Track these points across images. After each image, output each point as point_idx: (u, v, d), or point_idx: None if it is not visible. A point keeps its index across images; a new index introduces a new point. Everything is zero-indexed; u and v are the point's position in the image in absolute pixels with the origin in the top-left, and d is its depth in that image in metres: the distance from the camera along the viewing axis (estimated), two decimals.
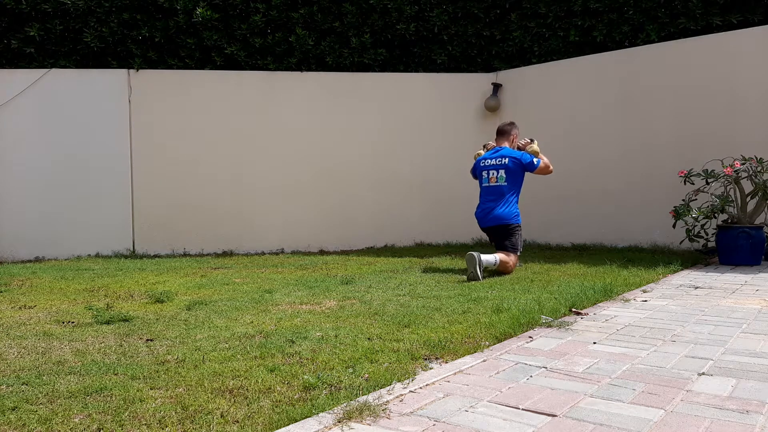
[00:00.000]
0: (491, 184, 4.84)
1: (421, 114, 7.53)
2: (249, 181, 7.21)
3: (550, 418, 1.64)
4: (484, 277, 4.34)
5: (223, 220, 7.16)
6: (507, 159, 4.80)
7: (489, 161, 4.91)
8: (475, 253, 4.32)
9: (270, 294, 3.83)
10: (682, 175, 5.36)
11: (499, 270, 4.59)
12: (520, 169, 4.79)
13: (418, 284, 4.14)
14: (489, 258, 4.45)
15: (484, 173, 4.91)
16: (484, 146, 5.15)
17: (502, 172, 4.80)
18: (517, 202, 4.85)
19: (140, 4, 7.15)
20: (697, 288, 3.87)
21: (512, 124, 5.14)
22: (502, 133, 5.06)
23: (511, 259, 4.64)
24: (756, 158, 5.09)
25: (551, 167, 4.89)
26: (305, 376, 1.98)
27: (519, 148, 4.98)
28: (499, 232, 4.77)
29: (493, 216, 4.77)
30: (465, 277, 4.51)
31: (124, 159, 6.96)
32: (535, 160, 4.80)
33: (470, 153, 7.65)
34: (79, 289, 4.25)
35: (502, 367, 2.12)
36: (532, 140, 5.03)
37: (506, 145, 4.98)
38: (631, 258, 5.33)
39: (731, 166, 5.11)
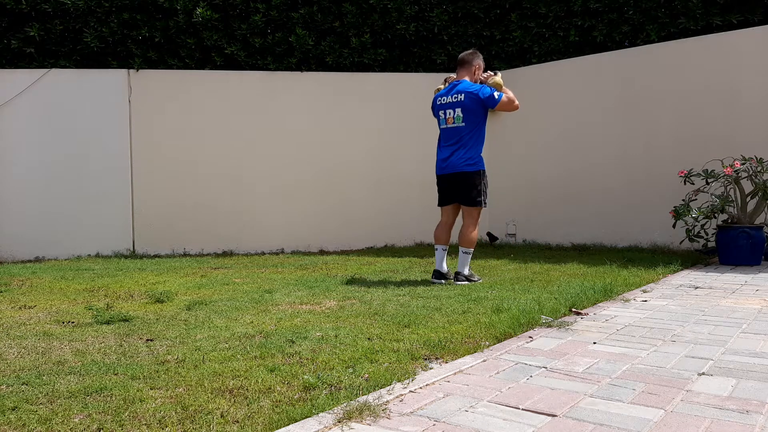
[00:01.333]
0: (448, 125, 4.23)
1: (421, 114, 7.50)
2: (249, 180, 7.21)
3: (550, 418, 1.64)
4: (447, 279, 4.18)
5: (223, 220, 7.16)
6: (463, 95, 4.14)
7: (445, 99, 4.25)
8: (441, 271, 4.20)
9: (270, 294, 3.83)
10: (682, 175, 5.36)
11: (461, 244, 4.24)
12: (479, 105, 4.13)
13: (418, 284, 4.15)
14: (462, 264, 4.25)
15: (441, 113, 4.29)
16: (445, 80, 4.45)
17: (458, 111, 4.16)
18: (479, 144, 4.20)
19: (140, 4, 7.15)
20: (697, 288, 3.87)
21: (475, 52, 4.38)
22: (462, 63, 4.33)
23: (473, 216, 4.22)
24: (756, 158, 5.09)
25: (516, 102, 4.21)
26: (305, 376, 1.98)
27: (481, 82, 4.31)
28: (458, 183, 4.19)
29: (449, 163, 4.20)
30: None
31: (124, 159, 6.96)
32: (496, 93, 4.13)
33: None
34: (79, 289, 4.24)
35: (502, 367, 2.12)
36: (495, 72, 4.40)
37: (466, 78, 4.28)
38: (631, 258, 5.33)
39: (731, 166, 5.11)
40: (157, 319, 3.09)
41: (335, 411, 1.67)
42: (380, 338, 2.51)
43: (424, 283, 4.23)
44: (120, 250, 6.92)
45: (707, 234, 5.31)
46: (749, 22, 6.06)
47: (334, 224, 7.38)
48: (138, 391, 1.90)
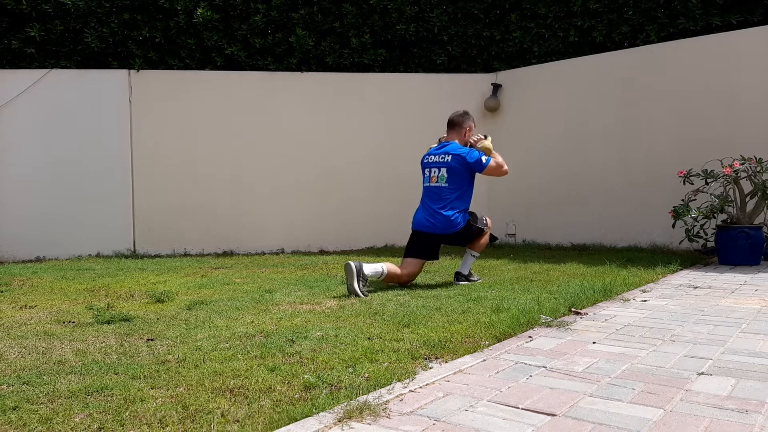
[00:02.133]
0: (431, 183, 4.18)
1: (420, 114, 7.53)
2: (249, 181, 7.22)
3: (549, 417, 1.65)
4: (366, 292, 3.70)
5: (224, 220, 7.16)
6: (450, 156, 4.10)
7: (433, 157, 4.22)
8: (353, 263, 3.66)
9: (270, 294, 3.84)
10: (682, 175, 5.36)
11: (470, 247, 4.22)
12: (464, 168, 4.09)
13: (418, 284, 4.15)
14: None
15: (426, 171, 4.25)
16: (439, 140, 4.42)
17: (443, 171, 4.12)
18: (462, 208, 4.13)
19: (141, 5, 7.15)
20: (696, 288, 3.88)
21: (465, 114, 4.31)
22: (453, 125, 4.28)
23: (486, 234, 4.26)
24: (755, 158, 5.09)
25: (505, 167, 4.18)
26: (305, 376, 1.99)
27: (470, 145, 4.27)
28: (432, 243, 4.16)
29: (429, 225, 4.11)
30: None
31: (125, 159, 6.96)
32: (484, 158, 4.09)
33: None
34: (80, 289, 4.25)
35: (502, 367, 2.13)
36: (485, 136, 4.33)
37: (456, 140, 4.24)
38: (630, 258, 5.33)
39: (730, 166, 5.11)
40: (158, 319, 3.09)
41: (335, 410, 1.67)
42: (380, 338, 2.51)
43: (424, 283, 4.23)
44: (120, 250, 6.93)
45: (707, 234, 5.32)
46: (749, 22, 6.07)
47: (334, 224, 7.38)
48: (139, 390, 1.90)
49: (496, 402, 1.77)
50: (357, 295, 3.60)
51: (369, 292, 3.79)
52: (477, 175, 4.20)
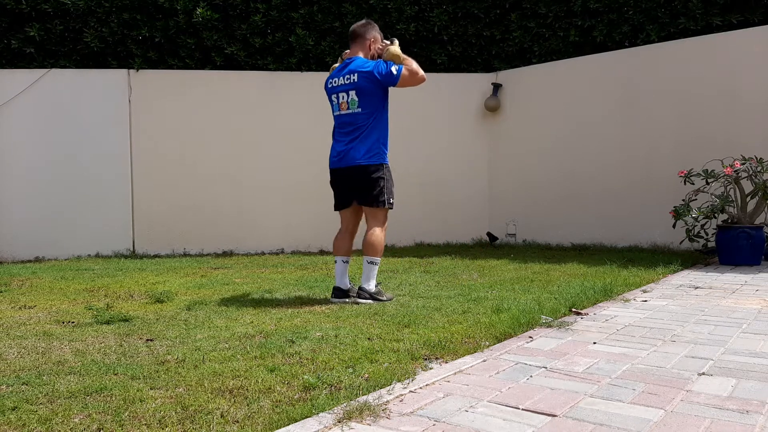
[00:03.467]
0: (342, 111, 3.55)
1: (420, 114, 7.53)
2: (249, 181, 7.21)
3: (550, 418, 1.64)
4: (350, 295, 3.45)
5: (223, 220, 7.16)
6: (356, 75, 3.45)
7: (337, 80, 3.57)
8: (340, 289, 3.50)
9: (270, 294, 3.83)
10: (682, 175, 5.36)
11: (376, 252, 3.46)
12: (376, 86, 3.45)
13: (418, 284, 4.15)
14: (366, 277, 3.48)
15: (333, 97, 3.61)
16: (340, 57, 3.73)
17: (353, 94, 3.48)
18: (381, 133, 3.51)
19: (140, 5, 7.14)
20: (697, 288, 3.87)
21: (368, 23, 3.66)
22: (354, 36, 3.62)
23: (378, 219, 3.48)
24: (756, 158, 5.09)
25: (421, 73, 3.49)
26: (305, 376, 1.98)
27: (377, 57, 3.62)
28: (356, 180, 3.49)
29: (345, 155, 3.51)
30: (465, 277, 4.51)
31: (124, 159, 6.96)
32: (394, 68, 3.44)
33: (470, 153, 7.69)
34: (79, 289, 4.24)
35: (502, 367, 2.12)
36: (391, 40, 3.63)
37: (360, 54, 3.58)
38: (631, 258, 5.33)
39: (731, 166, 5.11)
40: (157, 319, 3.09)
41: (335, 411, 1.67)
42: (380, 338, 2.51)
43: (424, 283, 4.23)
44: (120, 250, 6.92)
45: (707, 234, 5.31)
46: (749, 22, 6.06)
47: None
48: (138, 391, 1.90)
49: (496, 402, 1.77)
50: (344, 297, 3.43)
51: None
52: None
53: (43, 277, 4.88)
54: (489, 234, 7.48)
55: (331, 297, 3.56)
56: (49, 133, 6.80)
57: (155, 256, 6.83)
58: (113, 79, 6.94)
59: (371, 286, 3.47)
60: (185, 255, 6.93)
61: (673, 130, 6.23)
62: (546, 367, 2.12)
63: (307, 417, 1.64)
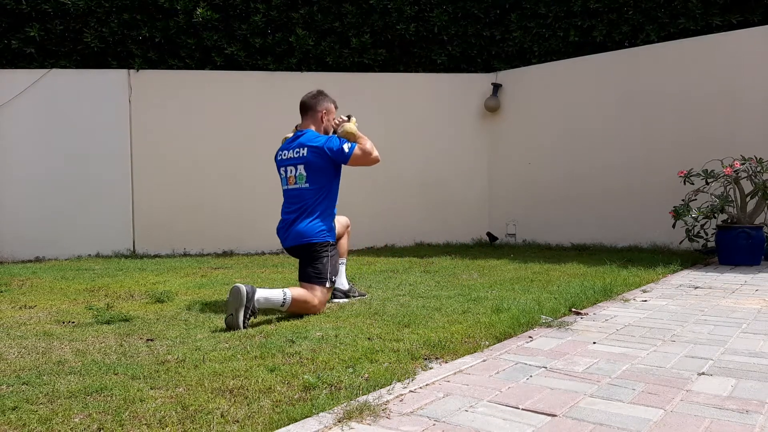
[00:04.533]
0: (290, 186, 3.42)
1: (421, 114, 7.53)
2: (249, 180, 7.21)
3: (549, 417, 1.64)
4: (247, 324, 2.84)
5: (224, 220, 7.16)
6: (306, 149, 3.32)
7: (287, 153, 3.43)
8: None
9: None
10: (682, 175, 5.36)
11: (294, 312, 3.09)
12: (325, 161, 3.30)
13: (418, 284, 4.15)
14: (272, 295, 2.98)
15: (282, 170, 3.48)
16: (295, 127, 3.62)
17: (301, 169, 3.34)
18: (328, 212, 3.36)
19: (140, 5, 7.15)
20: (696, 288, 3.87)
21: (320, 94, 3.53)
22: (306, 109, 3.49)
23: (316, 295, 3.16)
24: (756, 158, 5.09)
25: (375, 153, 3.37)
26: (305, 376, 1.98)
27: (332, 130, 3.51)
28: (301, 255, 3.33)
29: (291, 232, 3.35)
30: (465, 277, 4.51)
31: (125, 159, 6.96)
32: (346, 146, 3.30)
33: (470, 153, 7.69)
34: (80, 289, 4.25)
35: (502, 367, 2.12)
36: (348, 117, 3.53)
37: (312, 127, 3.45)
38: (630, 258, 5.33)
39: (731, 166, 5.11)
40: (158, 319, 3.09)
41: (335, 411, 1.67)
42: (380, 338, 2.51)
43: (424, 283, 4.23)
44: (120, 250, 6.92)
45: (707, 234, 5.31)
46: (749, 22, 6.07)
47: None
48: (138, 390, 1.90)
49: (496, 402, 1.77)
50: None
51: (370, 289, 3.78)
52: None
53: (44, 277, 4.89)
54: (489, 234, 7.48)
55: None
56: (49, 133, 6.80)
57: (155, 256, 6.83)
58: (113, 79, 6.94)
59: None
60: (185, 255, 6.93)
61: (672, 130, 6.23)
62: (546, 367, 2.12)
63: (307, 417, 1.64)
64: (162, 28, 7.19)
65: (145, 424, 1.64)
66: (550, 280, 4.15)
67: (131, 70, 7.00)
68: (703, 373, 2.03)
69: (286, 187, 3.47)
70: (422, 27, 7.57)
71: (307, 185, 3.33)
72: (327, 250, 3.30)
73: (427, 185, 7.55)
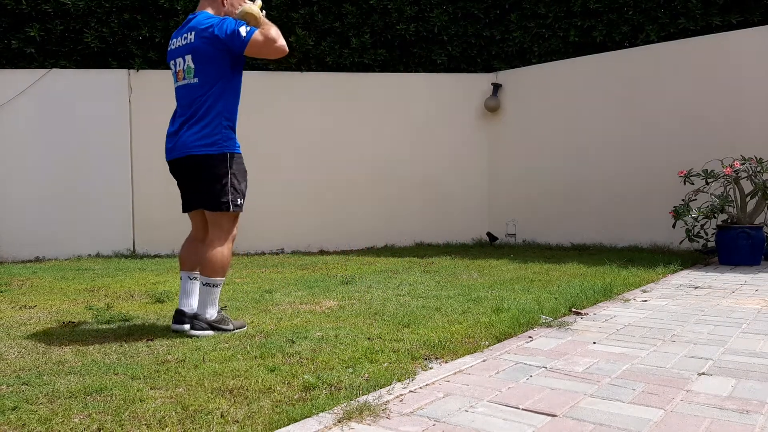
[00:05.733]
0: (179, 82, 2.84)
1: (421, 114, 7.53)
2: (249, 180, 7.20)
3: (550, 417, 1.64)
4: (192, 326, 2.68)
5: None
6: (194, 34, 2.70)
7: (176, 41, 2.82)
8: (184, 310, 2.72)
9: (270, 294, 3.83)
10: (682, 175, 5.36)
11: (201, 270, 2.75)
12: (217, 49, 2.67)
13: (418, 284, 4.15)
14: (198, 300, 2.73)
15: (171, 64, 2.87)
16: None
17: (189, 60, 2.73)
18: (225, 112, 2.77)
19: (141, 5, 7.15)
20: (696, 288, 3.87)
21: None
22: None
23: (220, 234, 2.78)
24: (756, 158, 5.09)
25: (281, 42, 2.71)
26: (305, 376, 1.98)
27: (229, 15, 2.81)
28: (193, 174, 2.80)
29: (177, 144, 2.83)
30: (465, 277, 4.51)
31: (125, 159, 6.95)
32: (243, 29, 2.65)
33: (470, 153, 7.69)
34: (80, 289, 4.25)
35: (502, 367, 2.12)
36: (254, 0, 2.84)
37: (208, 8, 2.81)
38: (630, 258, 5.33)
39: (731, 166, 5.11)
40: (158, 319, 3.09)
41: (335, 411, 1.67)
42: (380, 338, 2.51)
43: (424, 283, 4.23)
44: (120, 250, 6.92)
45: (707, 234, 5.31)
46: (749, 22, 6.07)
47: (334, 224, 7.38)
48: (138, 390, 1.90)
49: (496, 402, 1.77)
50: (182, 326, 2.66)
51: (370, 289, 3.77)
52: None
53: (44, 277, 4.89)
54: (489, 234, 7.48)
55: (172, 324, 2.75)
56: (50, 133, 6.79)
57: (155, 256, 6.83)
58: (113, 79, 6.94)
59: (210, 312, 2.69)
60: None
61: (673, 130, 6.23)
62: (546, 367, 2.12)
63: (307, 417, 1.64)
64: (162, 28, 7.19)
65: (145, 424, 1.64)
66: (550, 280, 4.15)
67: (131, 70, 7.00)
68: (703, 373, 2.03)
69: (176, 84, 2.87)
70: (422, 27, 7.57)
71: (196, 80, 2.72)
72: (226, 163, 2.74)
73: (427, 185, 7.55)
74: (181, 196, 2.97)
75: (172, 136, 2.86)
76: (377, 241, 7.43)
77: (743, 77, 5.83)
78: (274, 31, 2.71)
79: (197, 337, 2.64)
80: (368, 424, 1.61)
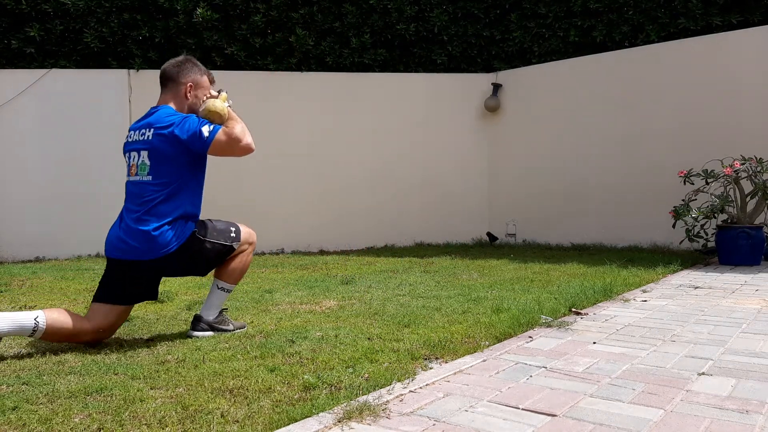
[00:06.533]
0: (131, 177, 2.62)
1: (421, 114, 7.53)
2: (248, 180, 7.21)
3: (549, 417, 1.64)
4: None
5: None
6: (152, 131, 2.56)
7: (132, 135, 2.66)
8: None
9: (270, 294, 3.84)
10: (682, 175, 5.36)
11: (220, 276, 2.74)
12: (177, 149, 2.54)
13: (418, 284, 4.15)
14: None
15: (126, 157, 2.68)
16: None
17: (144, 157, 2.56)
18: (176, 215, 2.55)
19: (140, 5, 7.15)
20: (696, 288, 3.87)
21: (187, 62, 2.72)
22: (166, 81, 2.70)
23: (243, 253, 2.76)
24: (756, 158, 5.09)
25: (246, 140, 2.63)
26: (305, 376, 1.98)
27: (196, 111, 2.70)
28: (132, 275, 2.55)
29: (121, 244, 2.53)
30: (465, 277, 4.51)
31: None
32: (207, 128, 2.55)
33: (470, 153, 7.70)
34: (80, 289, 4.25)
35: (502, 367, 2.12)
36: (219, 91, 2.77)
37: (171, 104, 2.68)
38: (631, 258, 5.33)
39: (731, 166, 5.11)
40: (158, 319, 3.09)
41: (335, 411, 1.67)
42: (380, 338, 2.51)
43: (424, 283, 4.23)
44: None
45: (707, 234, 5.31)
46: (749, 22, 6.07)
47: (334, 224, 7.38)
48: (138, 390, 1.90)
49: (496, 402, 1.77)
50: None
51: (370, 289, 3.77)
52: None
53: (44, 277, 4.88)
54: (489, 234, 7.48)
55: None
56: (49, 133, 6.79)
57: None
58: (113, 79, 6.94)
59: (213, 314, 2.71)
60: None
61: (673, 129, 6.23)
62: (546, 367, 2.12)
63: (307, 417, 1.64)
64: (162, 28, 7.19)
65: (145, 424, 1.64)
66: (550, 280, 4.15)
67: (131, 70, 6.99)
68: (703, 373, 2.03)
69: (126, 179, 2.64)
70: (422, 27, 7.57)
71: (150, 178, 2.54)
72: (201, 238, 2.61)
73: (427, 185, 7.55)
74: (108, 287, 2.57)
75: (120, 234, 2.55)
76: (377, 241, 7.43)
77: (743, 77, 5.83)
78: (239, 129, 2.61)
79: (197, 337, 2.65)
80: (368, 424, 1.61)
